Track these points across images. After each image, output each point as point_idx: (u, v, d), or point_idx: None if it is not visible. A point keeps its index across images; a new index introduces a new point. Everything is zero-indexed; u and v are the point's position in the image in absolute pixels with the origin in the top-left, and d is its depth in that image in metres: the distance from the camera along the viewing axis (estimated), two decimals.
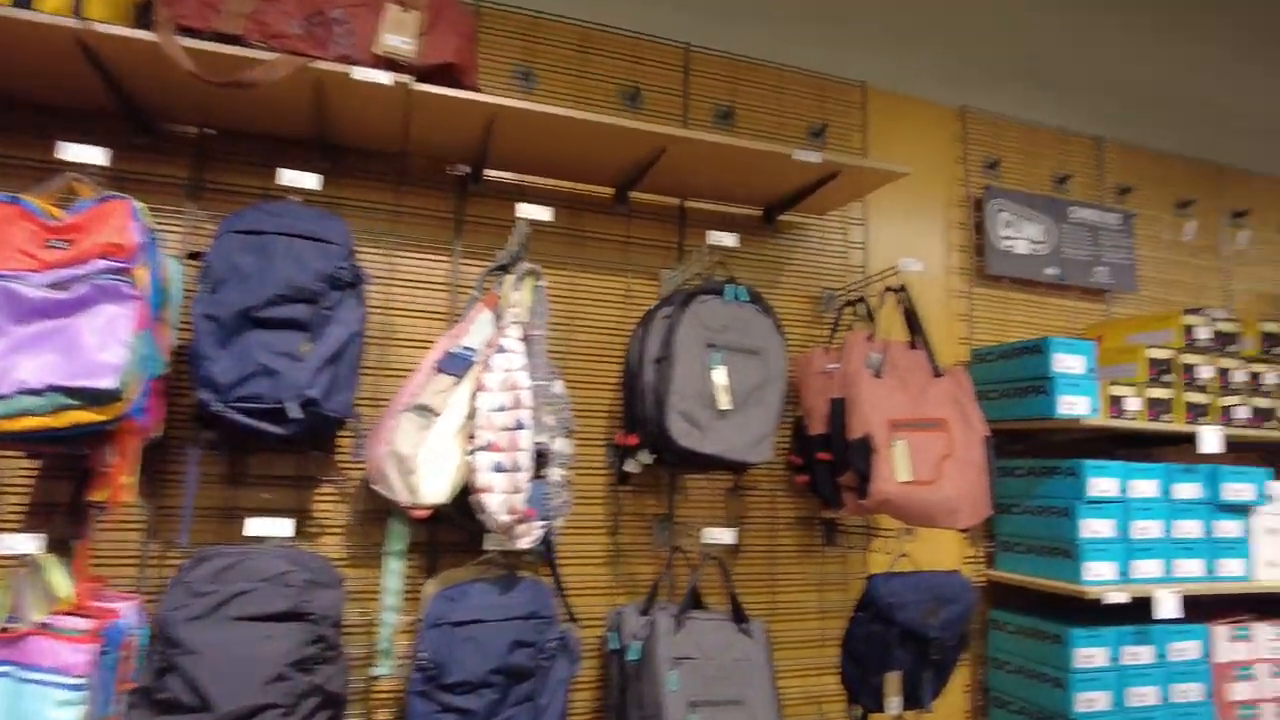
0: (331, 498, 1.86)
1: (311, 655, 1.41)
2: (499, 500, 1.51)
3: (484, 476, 1.51)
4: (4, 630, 1.31)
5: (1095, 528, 2.21)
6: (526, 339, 1.65)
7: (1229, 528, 2.39)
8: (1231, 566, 2.39)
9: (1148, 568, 2.27)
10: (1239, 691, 2.37)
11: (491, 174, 2.08)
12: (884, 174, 2.06)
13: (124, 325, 1.33)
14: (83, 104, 1.75)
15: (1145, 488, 2.31)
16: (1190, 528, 2.34)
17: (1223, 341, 2.47)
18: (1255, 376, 2.48)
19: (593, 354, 2.11)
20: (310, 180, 1.66)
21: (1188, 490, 2.36)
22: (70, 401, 1.28)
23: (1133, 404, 2.30)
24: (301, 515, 1.84)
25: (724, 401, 1.77)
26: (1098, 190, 2.84)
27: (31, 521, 1.67)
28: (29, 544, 1.37)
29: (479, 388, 1.57)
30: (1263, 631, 2.42)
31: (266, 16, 1.62)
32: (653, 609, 1.83)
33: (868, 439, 1.91)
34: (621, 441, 1.87)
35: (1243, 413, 2.43)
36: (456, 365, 1.66)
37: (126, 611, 1.43)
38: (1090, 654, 2.18)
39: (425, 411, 1.64)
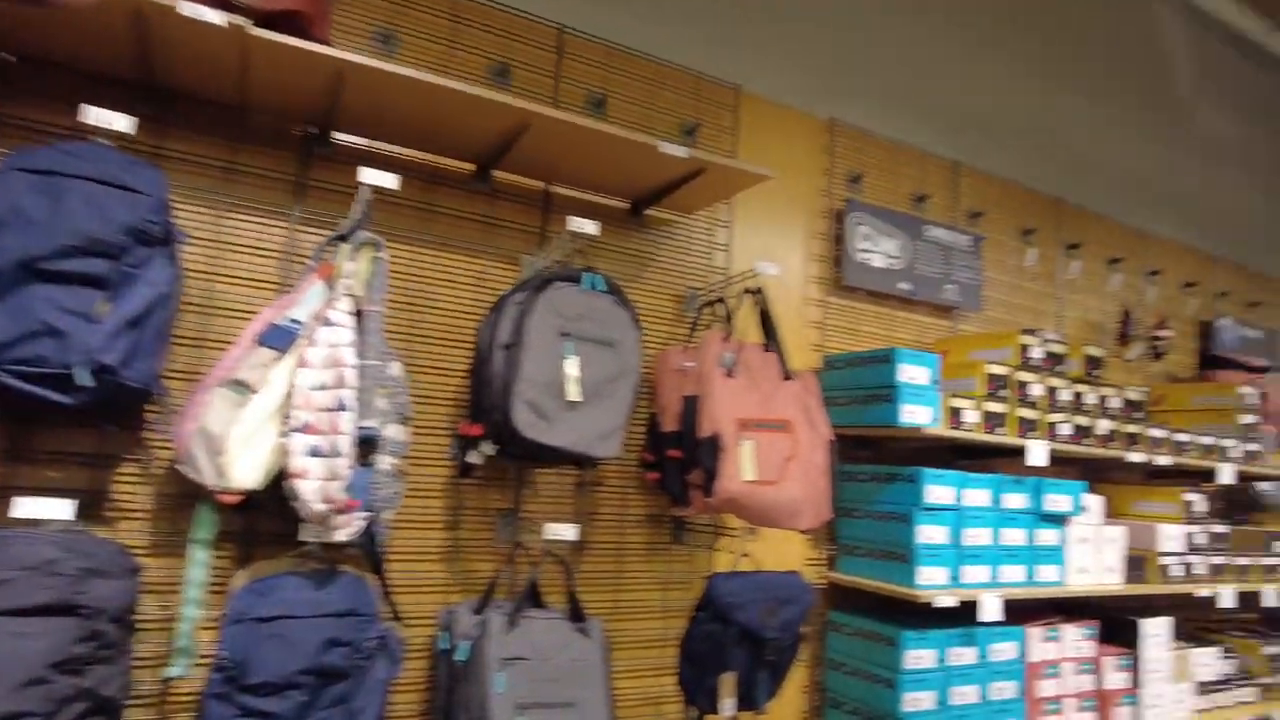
0: (134, 479, 1.67)
1: (81, 655, 1.24)
2: (314, 487, 1.39)
3: (298, 460, 1.38)
4: None
5: (930, 534, 2.30)
6: (359, 314, 1.53)
7: (1048, 536, 2.54)
8: (1048, 572, 2.54)
9: (976, 573, 2.38)
10: (1046, 688, 2.52)
11: (342, 138, 1.93)
12: (749, 175, 2.06)
13: None
14: None
15: (978, 497, 2.42)
16: (1015, 536, 2.48)
17: (1052, 362, 2.63)
18: (1078, 396, 2.65)
19: (442, 338, 2.00)
20: (121, 122, 1.48)
21: (1015, 500, 2.49)
22: None
23: (971, 416, 2.40)
24: (98, 497, 1.65)
25: (574, 393, 1.71)
26: (952, 213, 2.98)
27: None
28: None
29: (300, 363, 1.44)
30: (1070, 633, 2.59)
31: None
32: (487, 608, 1.74)
33: (716, 437, 1.90)
34: (465, 431, 1.78)
35: (1066, 429, 2.60)
36: (279, 339, 1.52)
37: None
38: (919, 655, 2.26)
39: (241, 387, 1.49)
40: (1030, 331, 2.60)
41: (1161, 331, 3.49)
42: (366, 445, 1.49)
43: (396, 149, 2.00)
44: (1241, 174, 4.31)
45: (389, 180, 1.67)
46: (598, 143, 1.89)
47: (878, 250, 2.71)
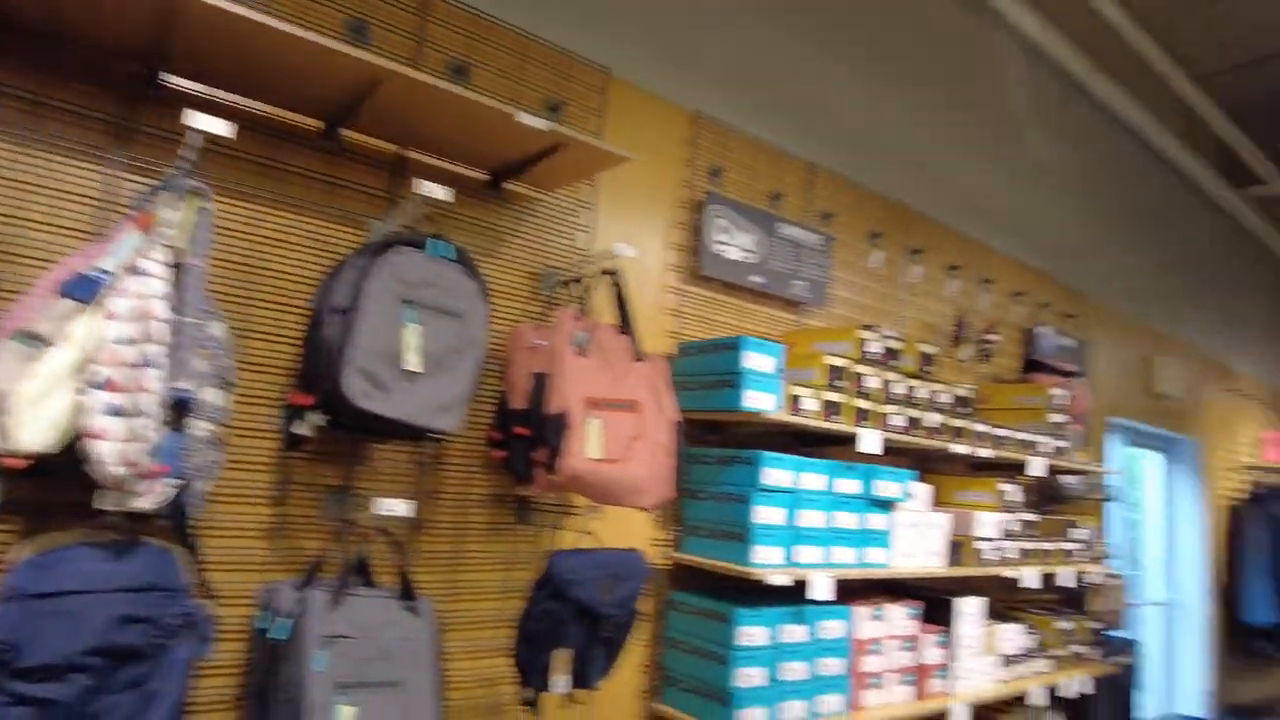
0: None
1: None
2: (113, 449, 1.28)
3: (96, 419, 1.27)
4: None
5: (767, 515, 2.39)
6: (178, 266, 1.42)
7: (877, 520, 2.70)
8: (876, 555, 2.70)
9: (809, 553, 2.50)
10: (870, 664, 2.68)
11: (176, 81, 1.79)
12: (610, 156, 2.07)
13: None
14: None
15: (814, 480, 2.54)
16: (847, 519, 2.61)
17: (889, 357, 2.79)
18: (911, 390, 2.82)
19: (277, 302, 1.90)
20: None
21: (848, 485, 2.63)
22: None
23: (810, 404, 2.51)
24: None
25: (413, 363, 1.66)
26: (805, 212, 3.10)
27: None
28: None
29: (106, 315, 1.32)
30: (894, 612, 2.76)
31: None
32: (311, 585, 1.66)
33: (564, 414, 1.89)
34: (294, 401, 1.69)
35: (898, 420, 2.76)
36: (83, 289, 1.39)
37: None
38: (752, 633, 2.35)
39: (34, 340, 1.35)
40: (869, 328, 2.75)
41: (990, 336, 3.78)
42: (179, 408, 1.38)
43: (237, 98, 1.87)
44: (1064, 198, 4.72)
45: (221, 127, 1.56)
46: (453, 107, 1.84)
47: (734, 244, 2.78)
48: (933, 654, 2.88)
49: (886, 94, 3.59)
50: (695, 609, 2.46)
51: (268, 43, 1.60)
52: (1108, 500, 4.59)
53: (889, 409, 2.74)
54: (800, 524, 2.47)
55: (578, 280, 2.32)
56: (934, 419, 2.88)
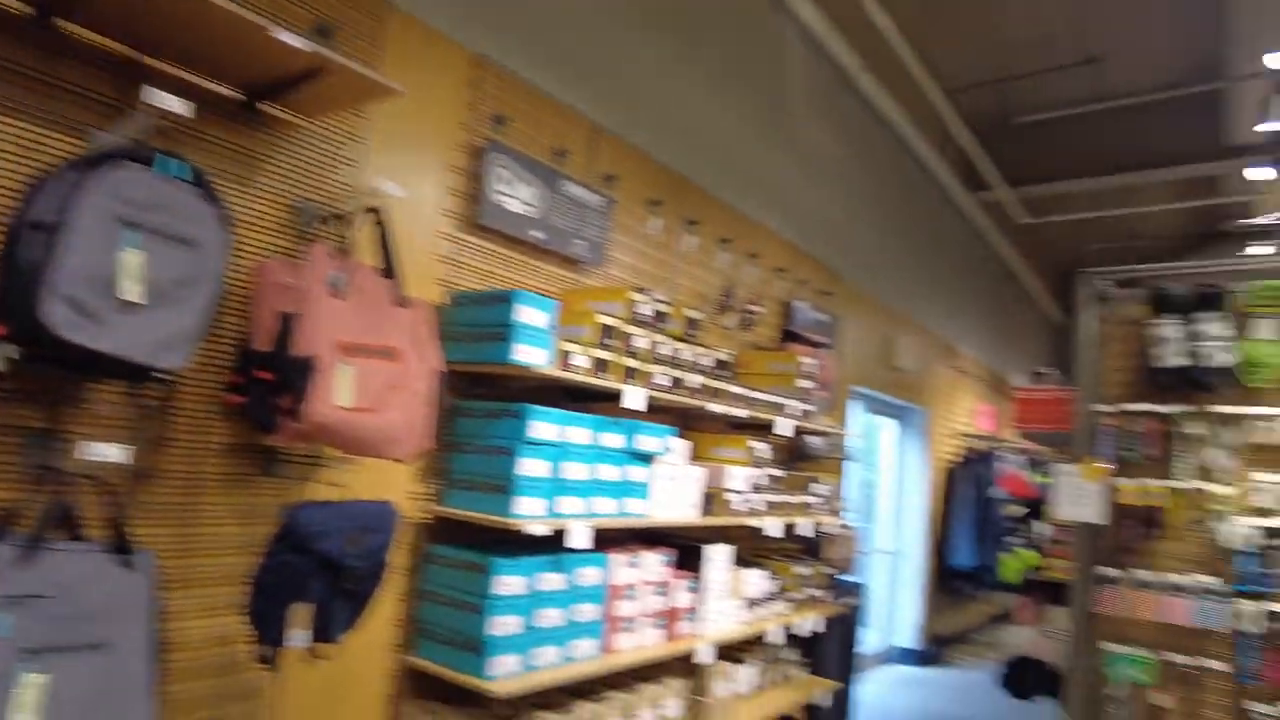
0: None
1: None
2: None
3: None
4: None
5: (531, 467, 2.42)
6: None
7: (638, 473, 2.83)
8: (636, 505, 2.83)
9: (571, 504, 2.57)
10: (624, 609, 2.81)
11: None
12: (378, 85, 1.96)
13: None
14: None
15: (579, 434, 2.60)
16: (610, 471, 2.71)
17: (658, 320, 2.91)
18: (676, 352, 2.97)
19: None
20: None
21: (612, 439, 2.72)
22: None
23: (581, 360, 2.57)
24: None
25: (131, 292, 1.49)
26: (588, 172, 3.13)
27: None
28: None
29: None
30: (649, 559, 2.92)
31: None
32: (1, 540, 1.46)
33: (311, 358, 1.79)
34: None
35: (663, 379, 2.90)
36: None
37: None
38: (509, 582, 2.38)
39: None
40: (641, 290, 2.85)
41: (753, 306, 4.05)
42: None
43: None
44: (827, 185, 5.14)
45: None
46: (199, 12, 1.65)
47: (515, 196, 2.76)
48: (683, 598, 3.08)
49: (676, 67, 3.70)
50: (453, 561, 2.45)
51: None
52: (847, 460, 5.13)
53: (655, 368, 2.86)
54: (564, 476, 2.53)
55: (339, 217, 2.19)
56: (695, 380, 3.05)
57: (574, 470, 2.57)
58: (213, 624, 2.01)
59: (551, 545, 2.56)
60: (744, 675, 3.52)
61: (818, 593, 4.05)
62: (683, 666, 3.18)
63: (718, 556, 3.23)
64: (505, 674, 2.35)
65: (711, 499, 3.25)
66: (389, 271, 2.07)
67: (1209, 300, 3.93)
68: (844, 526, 4.80)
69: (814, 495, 4.00)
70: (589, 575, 2.66)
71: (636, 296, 2.81)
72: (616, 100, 3.31)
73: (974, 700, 5.70)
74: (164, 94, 1.66)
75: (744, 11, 4.21)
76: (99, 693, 1.47)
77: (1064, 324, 9.82)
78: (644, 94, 3.50)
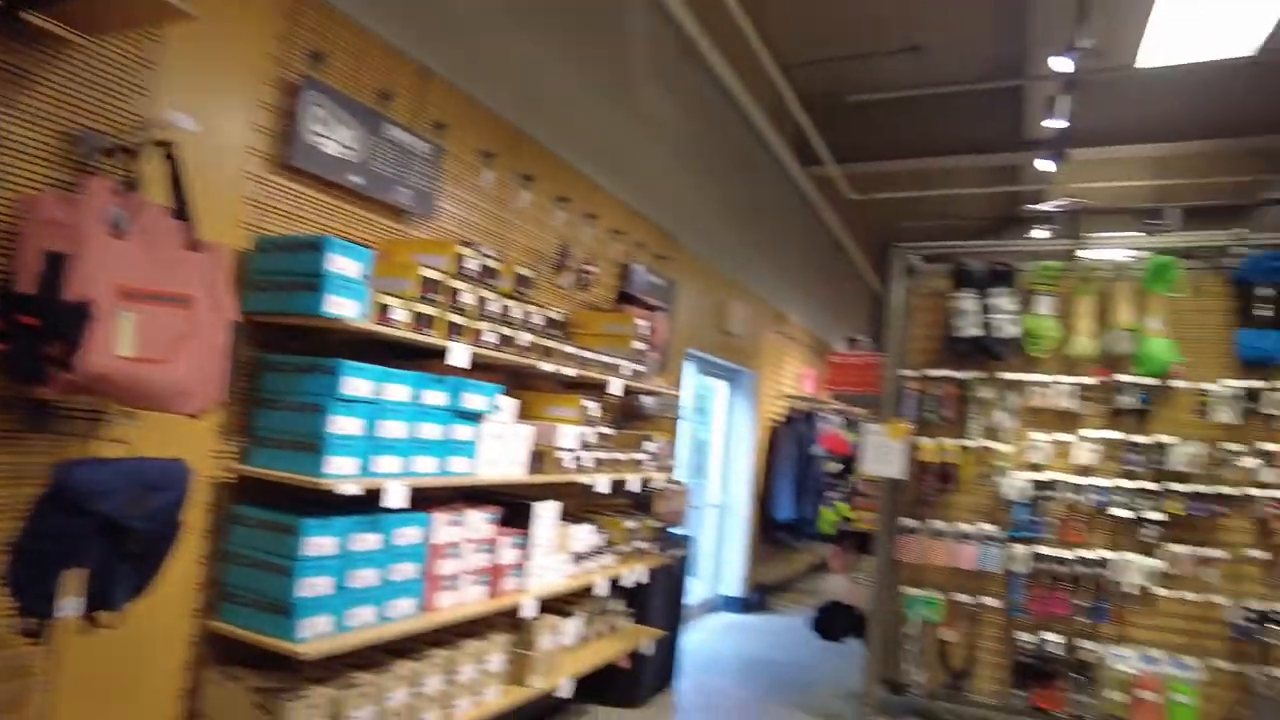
0: None
1: None
2: None
3: None
4: None
5: (344, 425, 2.33)
6: None
7: (463, 432, 2.79)
8: (460, 464, 2.80)
9: (388, 463, 2.50)
10: (447, 567, 2.79)
11: None
12: (162, 3, 1.77)
13: None
14: None
15: (398, 391, 2.53)
16: (432, 430, 2.66)
17: (486, 275, 2.86)
18: (506, 309, 2.93)
19: None
20: None
21: (435, 397, 2.67)
22: None
23: (401, 315, 2.48)
24: None
25: None
26: (416, 117, 3.00)
27: None
28: None
29: None
30: (473, 517, 2.90)
31: None
32: None
33: (86, 304, 1.63)
34: None
35: (491, 337, 2.86)
36: None
37: None
38: (320, 543, 2.30)
39: None
40: (469, 244, 2.78)
41: (590, 267, 4.06)
42: None
43: None
44: (667, 151, 5.21)
45: None
46: None
47: (333, 138, 2.60)
48: (509, 555, 3.09)
49: (515, 16, 3.59)
50: (259, 522, 2.33)
51: None
52: (679, 419, 5.30)
53: (483, 325, 2.82)
54: (380, 435, 2.46)
55: (126, 150, 1.99)
56: (526, 338, 3.04)
57: (392, 428, 2.50)
58: None
59: (369, 505, 2.49)
60: (570, 628, 3.60)
61: (645, 546, 4.19)
62: (510, 621, 3.20)
63: (546, 513, 3.26)
64: (315, 635, 2.28)
65: (542, 457, 3.26)
66: (181, 212, 1.91)
67: (1001, 277, 4.34)
68: (674, 482, 4.98)
69: (646, 453, 4.12)
70: (409, 535, 2.62)
71: (464, 250, 2.75)
72: (448, 44, 3.18)
73: (790, 644, 6.11)
74: None
75: None
76: None
77: (883, 295, 10.55)
78: (478, 40, 3.39)
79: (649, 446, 4.16)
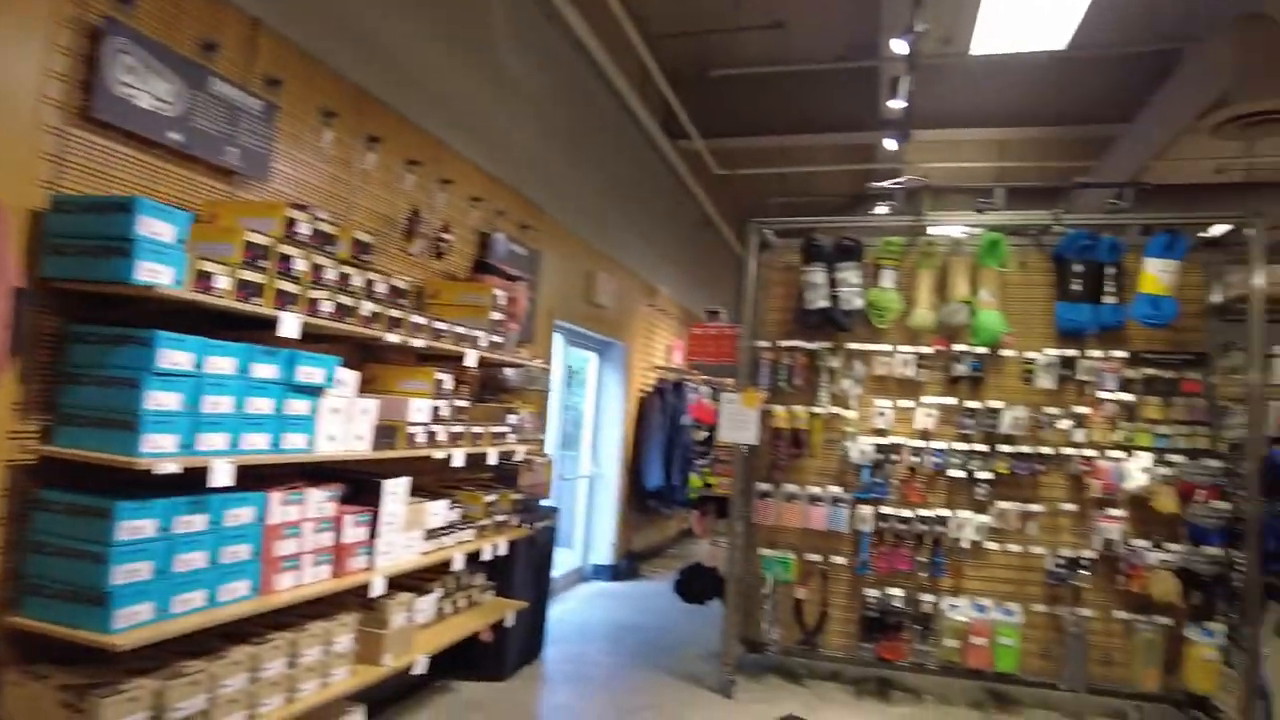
0: None
1: None
2: None
3: None
4: None
5: (162, 400, 2.18)
6: None
7: (299, 406, 2.66)
8: (297, 440, 2.67)
9: (214, 440, 2.35)
10: (285, 548, 2.67)
11: None
12: None
13: None
14: None
15: (223, 364, 2.38)
16: (263, 404, 2.52)
17: (321, 240, 2.72)
18: (345, 277, 2.81)
19: None
20: None
21: (266, 370, 2.53)
22: None
23: (223, 282, 2.33)
24: None
25: None
26: (246, 72, 2.81)
27: None
28: None
29: None
30: (314, 495, 2.79)
31: None
32: None
33: None
34: None
35: (328, 306, 2.73)
36: None
37: None
38: (138, 526, 2.14)
39: None
40: (300, 207, 2.64)
41: (445, 234, 3.95)
42: None
43: None
44: (530, 117, 5.12)
45: None
46: None
47: (145, 89, 2.39)
48: (355, 533, 2.99)
49: None
50: (67, 506, 2.15)
51: None
52: (547, 391, 5.28)
53: (319, 294, 2.69)
54: (204, 410, 2.31)
55: None
56: (368, 307, 2.92)
57: (218, 403, 2.35)
58: None
59: (197, 485, 2.34)
60: (425, 604, 3.54)
61: (506, 519, 4.16)
62: (361, 601, 3.11)
63: (395, 489, 3.17)
64: (134, 624, 2.13)
65: (393, 431, 3.17)
66: None
67: (848, 252, 4.53)
68: (539, 455, 4.96)
69: (507, 426, 4.07)
70: (241, 515, 2.48)
71: (295, 214, 2.60)
72: None
73: (659, 609, 6.26)
74: None
75: None
76: None
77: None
78: None
79: (511, 419, 4.12)
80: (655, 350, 8.14)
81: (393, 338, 3.05)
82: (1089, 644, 4.22)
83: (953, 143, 8.03)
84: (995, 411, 4.39)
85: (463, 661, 4.34)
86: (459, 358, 3.57)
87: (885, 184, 4.73)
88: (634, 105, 6.46)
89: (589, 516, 7.26)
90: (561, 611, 6.08)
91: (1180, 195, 7.98)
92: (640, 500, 7.57)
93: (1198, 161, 8.12)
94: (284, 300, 2.55)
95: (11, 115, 2.10)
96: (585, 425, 7.33)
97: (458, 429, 3.55)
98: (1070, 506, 4.34)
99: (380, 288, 3.00)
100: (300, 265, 2.60)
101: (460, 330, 3.55)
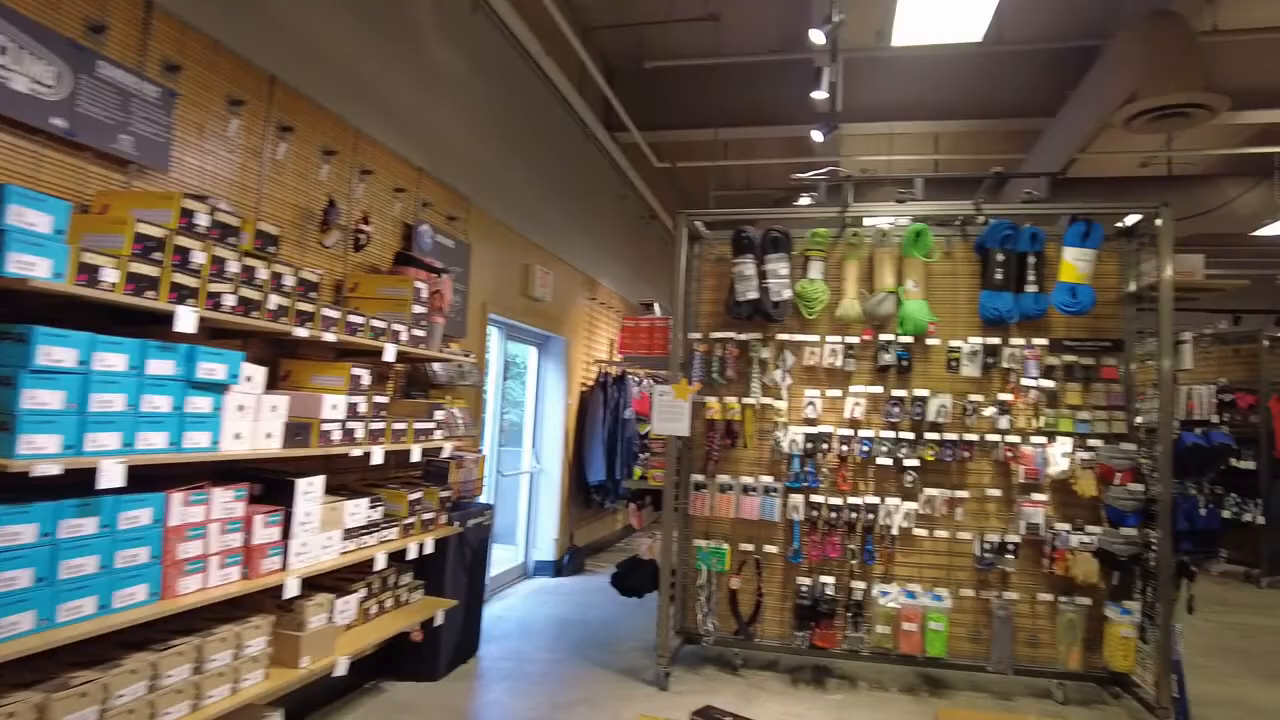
0: None
1: None
2: None
3: None
4: None
5: (42, 398, 2.08)
6: None
7: (201, 404, 2.57)
8: (199, 439, 2.58)
9: (105, 440, 2.26)
10: (189, 549, 2.58)
11: None
12: None
13: None
14: None
15: (114, 361, 2.28)
16: (161, 402, 2.43)
17: (222, 232, 2.63)
18: (250, 270, 2.72)
19: None
20: None
21: (162, 366, 2.43)
22: None
23: (111, 275, 2.23)
24: None
25: None
26: (139, 56, 2.69)
27: None
28: None
29: None
30: (220, 495, 2.70)
31: None
32: None
33: None
34: None
35: (231, 300, 2.64)
36: None
37: None
38: (14, 532, 2.04)
39: None
40: (198, 197, 2.54)
41: (364, 226, 3.85)
42: None
43: None
44: (458, 108, 5.03)
45: None
46: None
47: (22, 72, 2.28)
48: (267, 533, 2.90)
49: None
50: None
51: None
52: (479, 386, 5.20)
53: (221, 287, 2.60)
54: (93, 409, 2.21)
55: None
56: (275, 301, 2.84)
57: (108, 401, 2.26)
58: None
59: (87, 486, 2.24)
60: (346, 605, 3.46)
61: (434, 517, 4.09)
62: (277, 602, 3.03)
63: (310, 488, 3.09)
64: (11, 636, 2.03)
65: (306, 429, 3.08)
66: None
67: (776, 243, 4.55)
68: (472, 451, 4.90)
69: (434, 422, 4.00)
70: (138, 517, 2.39)
71: (192, 204, 2.51)
72: None
73: (601, 603, 6.24)
74: None
75: None
76: None
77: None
78: None
79: (438, 415, 4.05)
80: (597, 344, 8.11)
81: (302, 332, 2.97)
82: (1015, 626, 4.32)
83: (890, 136, 8.14)
84: (921, 400, 4.46)
85: (395, 662, 4.26)
86: (378, 352, 3.49)
87: (805, 176, 4.76)
88: (570, 97, 6.41)
89: (531, 512, 7.20)
90: (502, 609, 6.02)
91: (1106, 187, 8.23)
92: (584, 495, 7.54)
93: (1123, 155, 8.39)
94: (181, 294, 2.45)
95: None
96: (526, 420, 7.26)
97: (377, 426, 3.47)
98: (996, 492, 4.43)
99: (288, 281, 2.91)
100: (199, 258, 2.51)
101: (378, 324, 3.47)
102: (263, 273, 2.77)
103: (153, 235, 2.35)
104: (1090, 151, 7.25)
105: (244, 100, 3.13)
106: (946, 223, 4.62)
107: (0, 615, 2.00)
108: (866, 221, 4.67)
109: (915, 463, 4.44)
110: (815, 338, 4.61)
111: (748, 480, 4.63)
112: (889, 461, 4.48)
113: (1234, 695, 4.53)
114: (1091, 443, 4.29)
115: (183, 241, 2.44)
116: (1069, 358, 4.41)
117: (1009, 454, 4.37)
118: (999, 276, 4.37)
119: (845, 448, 4.52)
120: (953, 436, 4.43)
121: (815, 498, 4.53)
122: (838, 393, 4.60)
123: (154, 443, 2.41)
